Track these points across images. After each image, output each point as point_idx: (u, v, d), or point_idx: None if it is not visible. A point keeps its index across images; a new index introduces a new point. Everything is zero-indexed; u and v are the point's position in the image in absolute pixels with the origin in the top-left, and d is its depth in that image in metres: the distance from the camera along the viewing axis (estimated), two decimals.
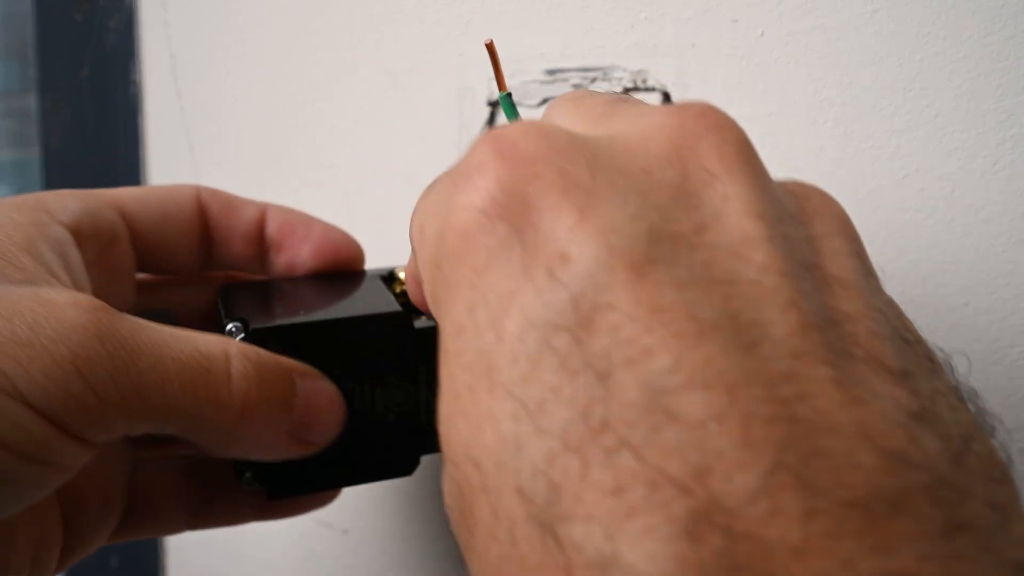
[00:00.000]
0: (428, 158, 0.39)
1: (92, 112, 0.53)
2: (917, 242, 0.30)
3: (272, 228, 0.32)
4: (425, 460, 0.41)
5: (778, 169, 0.32)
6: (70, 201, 0.26)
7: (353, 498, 0.43)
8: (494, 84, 0.31)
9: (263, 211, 0.32)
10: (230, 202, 0.31)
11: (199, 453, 0.32)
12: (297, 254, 0.32)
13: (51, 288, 0.21)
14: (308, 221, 0.32)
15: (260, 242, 0.32)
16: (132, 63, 0.50)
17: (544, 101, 0.36)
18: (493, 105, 0.38)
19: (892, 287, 0.31)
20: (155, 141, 0.49)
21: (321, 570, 0.45)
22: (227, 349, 0.23)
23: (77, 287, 0.24)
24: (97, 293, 0.26)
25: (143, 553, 0.53)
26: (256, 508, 0.31)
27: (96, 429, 0.20)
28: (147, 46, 0.48)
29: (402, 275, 0.31)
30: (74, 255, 0.25)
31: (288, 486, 0.28)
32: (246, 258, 0.32)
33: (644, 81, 0.34)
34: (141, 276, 0.32)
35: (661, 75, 0.34)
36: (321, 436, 0.26)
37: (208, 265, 0.32)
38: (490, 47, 0.29)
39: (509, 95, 0.30)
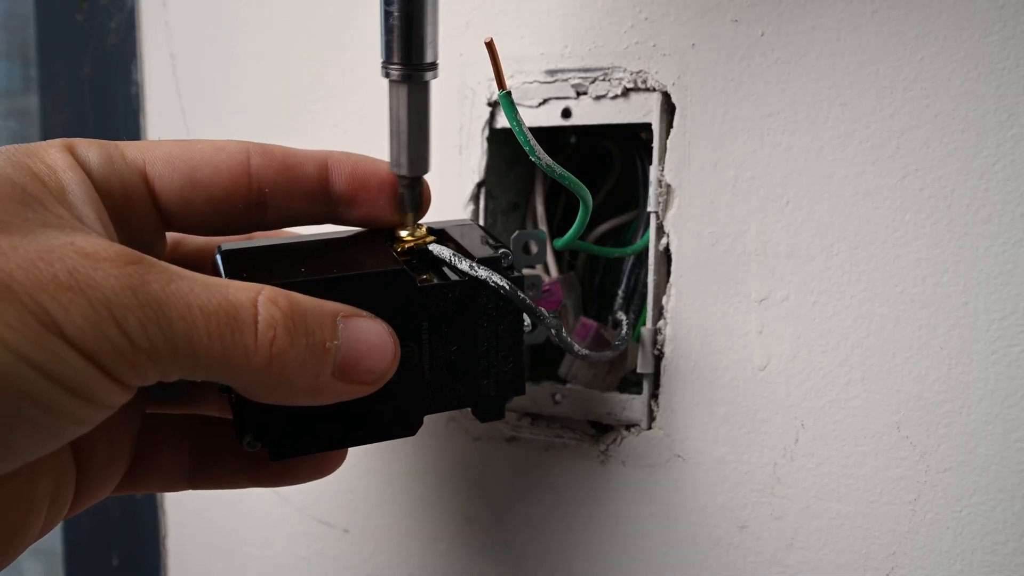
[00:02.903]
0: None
1: (92, 112, 0.53)
2: (917, 242, 0.30)
3: (340, 184, 0.30)
4: (427, 460, 0.41)
5: (776, 169, 0.32)
6: (93, 151, 0.26)
7: (353, 498, 0.43)
8: (494, 84, 0.31)
9: (325, 165, 0.30)
10: (287, 162, 0.30)
11: (210, 413, 0.32)
12: (374, 207, 0.31)
13: (86, 237, 0.22)
14: (376, 169, 0.31)
15: (326, 199, 0.30)
16: (133, 63, 0.50)
17: (544, 101, 0.36)
18: (493, 105, 0.38)
19: (892, 287, 0.31)
20: None
21: (321, 569, 0.45)
22: (256, 296, 0.24)
23: (110, 237, 0.25)
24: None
25: (143, 552, 0.53)
26: (251, 475, 0.31)
27: (131, 372, 0.21)
28: (147, 46, 0.48)
29: (404, 234, 0.31)
30: (102, 205, 0.26)
31: (290, 447, 0.28)
32: (311, 215, 0.31)
33: (644, 81, 0.34)
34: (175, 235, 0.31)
35: (661, 75, 0.34)
36: (370, 375, 0.26)
37: (264, 225, 0.31)
38: (490, 45, 0.29)
39: (509, 94, 0.30)
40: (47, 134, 0.57)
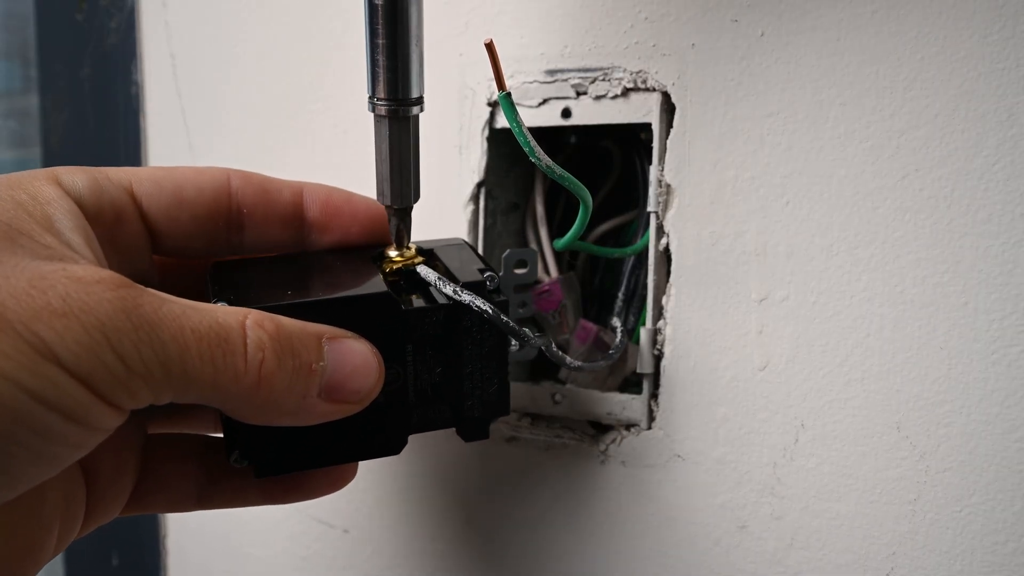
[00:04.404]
0: (429, 159, 0.39)
1: (92, 112, 0.53)
2: (917, 242, 0.30)
3: (314, 210, 0.32)
4: (427, 460, 0.41)
5: (776, 169, 0.32)
6: (78, 177, 0.27)
7: (353, 498, 0.43)
8: (494, 84, 0.31)
9: (300, 192, 0.32)
10: (264, 186, 0.31)
11: (208, 433, 0.33)
12: (346, 234, 0.32)
13: (76, 265, 0.22)
14: (349, 198, 0.32)
15: (299, 225, 0.32)
16: (132, 63, 0.50)
17: (544, 101, 0.36)
18: (493, 105, 0.38)
19: (892, 287, 0.31)
20: (155, 141, 0.49)
21: (321, 569, 0.45)
22: (244, 319, 0.24)
23: (99, 263, 0.25)
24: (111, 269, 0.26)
25: (143, 552, 0.53)
26: (262, 490, 0.31)
27: (125, 396, 0.21)
28: (147, 46, 0.48)
29: (392, 254, 0.31)
30: (91, 231, 0.26)
31: (275, 464, 0.28)
32: (284, 241, 0.32)
33: (644, 81, 0.34)
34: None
35: (661, 75, 0.34)
36: (356, 395, 0.26)
37: (242, 248, 0.32)
38: (489, 46, 0.29)
39: (508, 95, 0.30)
40: (47, 134, 0.57)
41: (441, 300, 0.30)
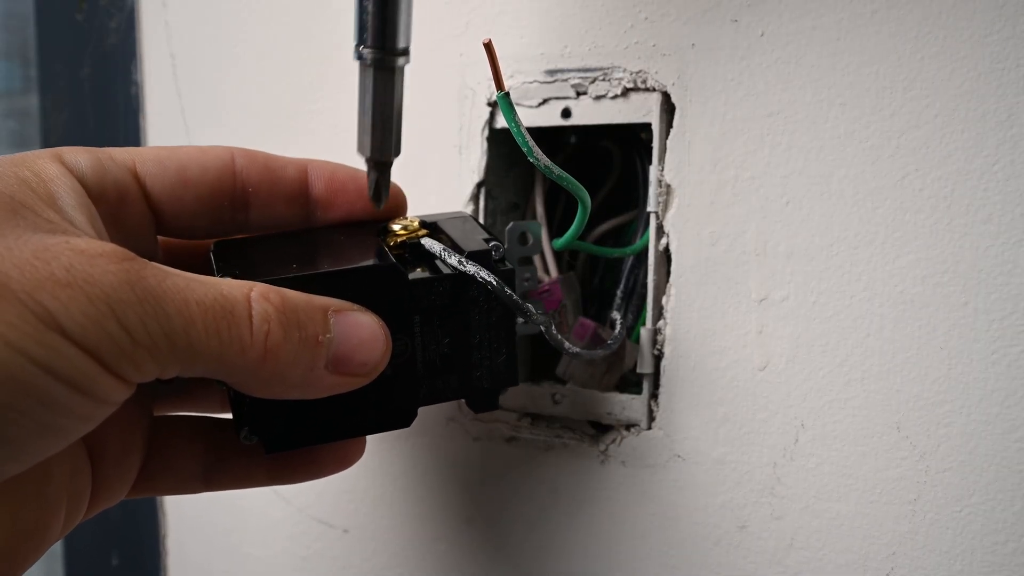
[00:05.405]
0: (429, 159, 0.39)
1: (92, 112, 0.53)
2: (917, 242, 0.30)
3: (319, 187, 0.31)
4: (427, 460, 0.41)
5: (776, 169, 0.32)
6: (82, 156, 0.27)
7: (353, 498, 0.43)
8: (494, 84, 0.31)
9: (305, 169, 0.31)
10: (269, 164, 0.31)
11: (215, 414, 0.33)
12: (351, 210, 0.32)
13: (79, 238, 0.22)
14: (355, 174, 0.32)
15: (305, 202, 0.32)
16: (132, 63, 0.50)
17: (544, 101, 0.36)
18: (493, 105, 0.38)
19: (892, 287, 0.31)
20: (155, 141, 0.49)
21: (321, 569, 0.45)
22: (249, 292, 0.24)
23: (101, 239, 0.25)
24: None
25: (143, 552, 0.53)
26: (268, 470, 0.31)
27: (131, 367, 0.21)
28: (147, 46, 0.48)
29: (396, 227, 0.31)
30: (94, 210, 0.26)
31: (285, 440, 0.28)
32: (290, 218, 0.32)
33: (644, 81, 0.34)
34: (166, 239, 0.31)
35: (661, 75, 0.34)
36: (363, 368, 0.26)
37: (247, 227, 0.31)
38: (488, 46, 0.29)
39: (507, 95, 0.30)
40: (47, 134, 0.57)
41: (446, 271, 0.29)
